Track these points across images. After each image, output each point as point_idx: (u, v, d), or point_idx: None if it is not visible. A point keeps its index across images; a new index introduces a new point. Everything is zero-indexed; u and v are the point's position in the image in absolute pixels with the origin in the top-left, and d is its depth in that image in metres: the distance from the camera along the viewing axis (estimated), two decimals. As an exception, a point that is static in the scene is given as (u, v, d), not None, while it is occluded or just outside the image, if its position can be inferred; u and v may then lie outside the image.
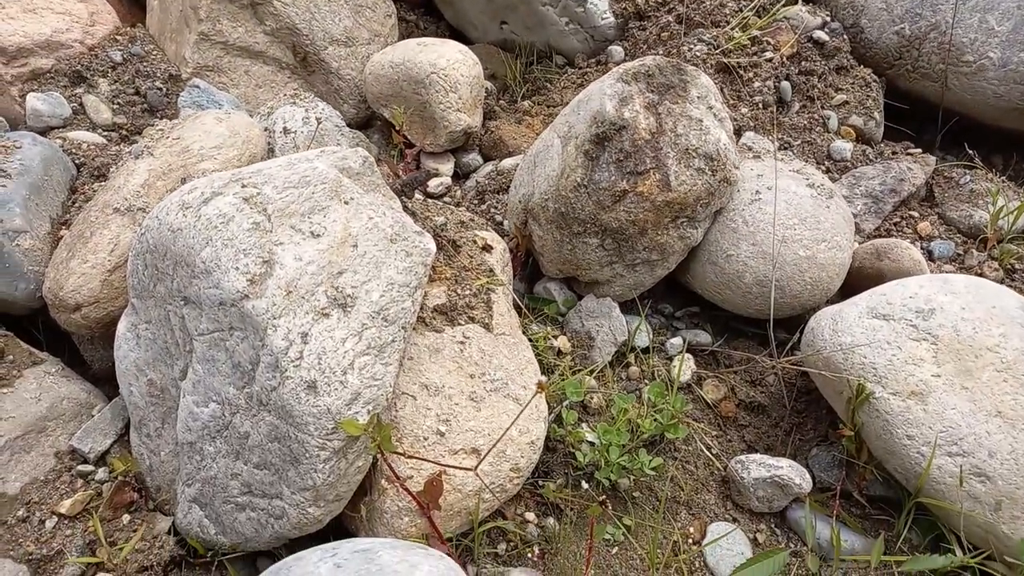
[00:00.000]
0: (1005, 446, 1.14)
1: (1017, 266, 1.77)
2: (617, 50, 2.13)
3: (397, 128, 1.80)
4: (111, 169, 1.59)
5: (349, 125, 2.09)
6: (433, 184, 1.89)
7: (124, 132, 1.77)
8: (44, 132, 1.71)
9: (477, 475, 1.13)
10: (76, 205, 1.53)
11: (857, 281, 1.57)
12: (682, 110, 1.44)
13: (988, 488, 1.14)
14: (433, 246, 1.23)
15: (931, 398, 1.18)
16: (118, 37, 1.89)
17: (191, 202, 1.08)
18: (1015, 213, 1.76)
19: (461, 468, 1.12)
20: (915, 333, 1.23)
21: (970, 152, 1.91)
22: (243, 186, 1.09)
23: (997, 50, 1.79)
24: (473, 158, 2.01)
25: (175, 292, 1.10)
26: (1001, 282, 1.75)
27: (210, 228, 1.04)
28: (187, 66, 1.83)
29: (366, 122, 2.16)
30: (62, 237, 1.45)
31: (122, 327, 1.25)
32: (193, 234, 1.05)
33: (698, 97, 1.47)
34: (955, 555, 1.18)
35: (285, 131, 1.58)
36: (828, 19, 2.03)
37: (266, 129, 1.61)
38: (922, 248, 1.79)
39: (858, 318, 1.27)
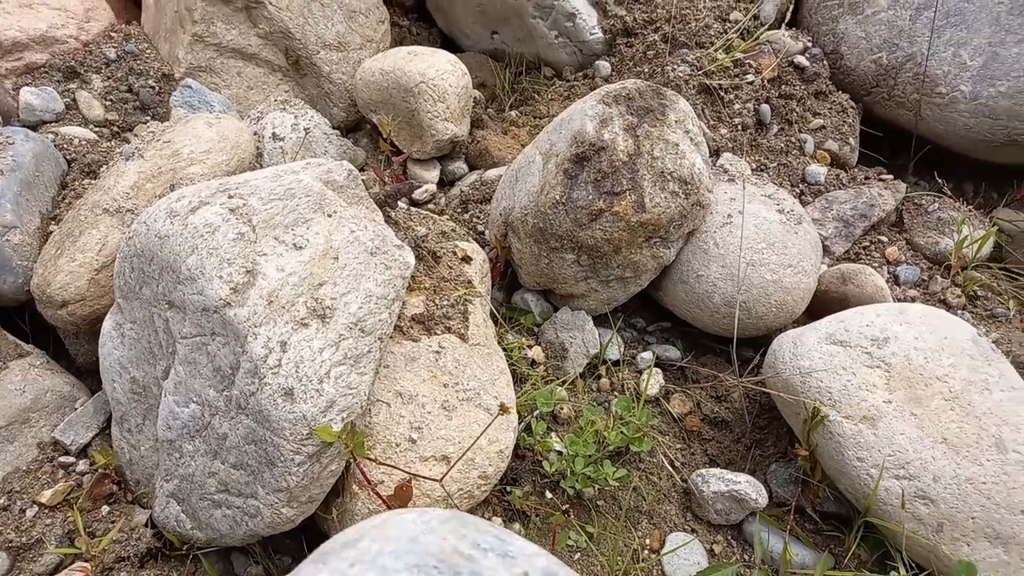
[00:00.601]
0: (949, 471, 1.20)
1: (980, 293, 1.84)
2: (604, 65, 2.17)
3: (384, 137, 1.84)
4: (102, 167, 1.62)
5: (339, 128, 2.13)
6: (418, 191, 1.93)
7: (116, 129, 1.80)
8: (36, 126, 1.73)
9: (442, 487, 1.18)
10: (66, 201, 1.56)
11: (823, 304, 1.63)
12: (660, 133, 1.49)
13: (931, 511, 1.20)
14: (412, 259, 1.28)
15: (882, 423, 1.24)
16: (113, 34, 1.92)
17: (179, 210, 1.12)
18: (979, 242, 1.83)
19: (428, 478, 1.17)
20: (869, 360, 1.29)
21: (939, 181, 1.97)
22: (229, 196, 1.13)
23: (968, 84, 1.85)
24: (459, 166, 2.06)
25: (160, 296, 1.14)
26: (964, 308, 1.82)
27: (196, 237, 1.08)
28: (180, 66, 1.86)
29: (355, 125, 2.19)
30: (51, 232, 1.49)
31: (107, 325, 1.29)
32: (179, 242, 1.09)
33: (676, 121, 1.52)
34: (898, 573, 1.24)
35: (274, 136, 1.62)
36: (809, 44, 2.09)
37: (255, 134, 1.65)
38: (889, 272, 1.85)
39: (817, 343, 1.33)
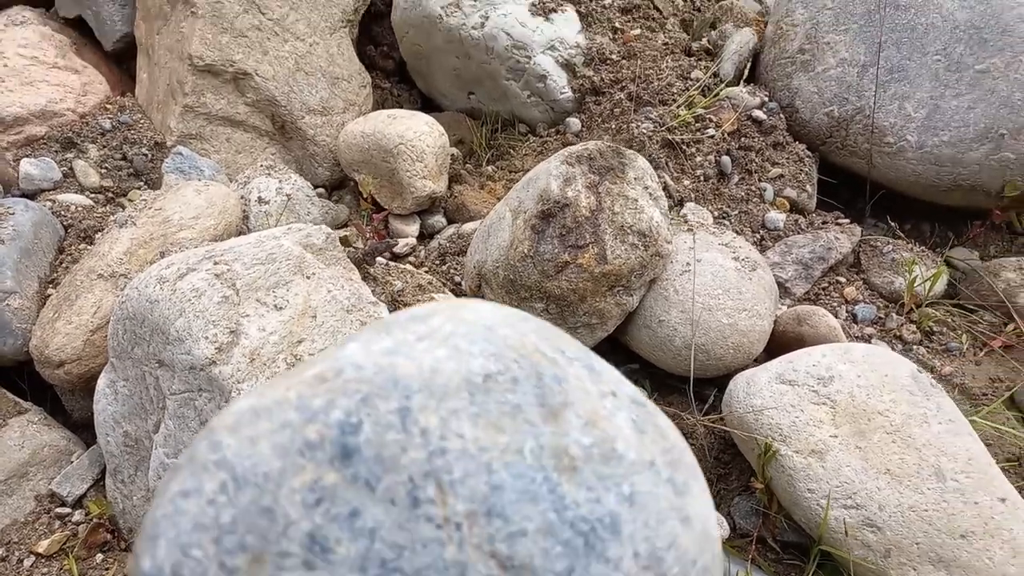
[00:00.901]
0: (893, 500, 1.28)
1: (935, 328, 1.94)
2: (575, 121, 2.30)
3: (365, 197, 1.95)
4: (97, 232, 1.72)
5: (323, 186, 2.25)
6: (399, 245, 2.04)
7: (110, 194, 1.91)
8: (35, 194, 1.84)
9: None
10: (63, 265, 1.66)
11: (781, 344, 1.73)
12: (620, 190, 1.59)
13: (879, 538, 1.28)
14: (386, 314, 1.37)
15: (829, 456, 1.33)
16: (108, 106, 2.04)
17: (168, 276, 1.21)
18: (931, 280, 1.93)
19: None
20: (816, 398, 1.37)
21: (892, 225, 2.09)
22: (215, 263, 1.22)
23: (914, 134, 1.97)
24: (438, 220, 2.16)
25: (151, 355, 1.23)
26: (919, 343, 1.91)
27: (184, 301, 1.18)
28: (172, 134, 1.98)
29: (340, 183, 2.31)
30: (49, 296, 1.58)
31: (102, 383, 1.37)
32: (168, 306, 1.18)
33: (635, 178, 1.63)
34: (852, 599, 1.31)
35: (260, 200, 1.73)
36: (766, 99, 2.22)
37: (243, 197, 1.75)
38: (848, 311, 1.95)
39: (767, 382, 1.42)
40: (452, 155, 2.27)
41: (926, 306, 1.96)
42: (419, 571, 0.60)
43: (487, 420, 0.65)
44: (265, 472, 0.61)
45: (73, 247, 1.70)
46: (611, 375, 0.74)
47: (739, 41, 2.29)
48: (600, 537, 0.64)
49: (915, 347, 1.90)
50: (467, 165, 2.38)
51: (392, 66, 2.61)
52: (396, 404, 0.64)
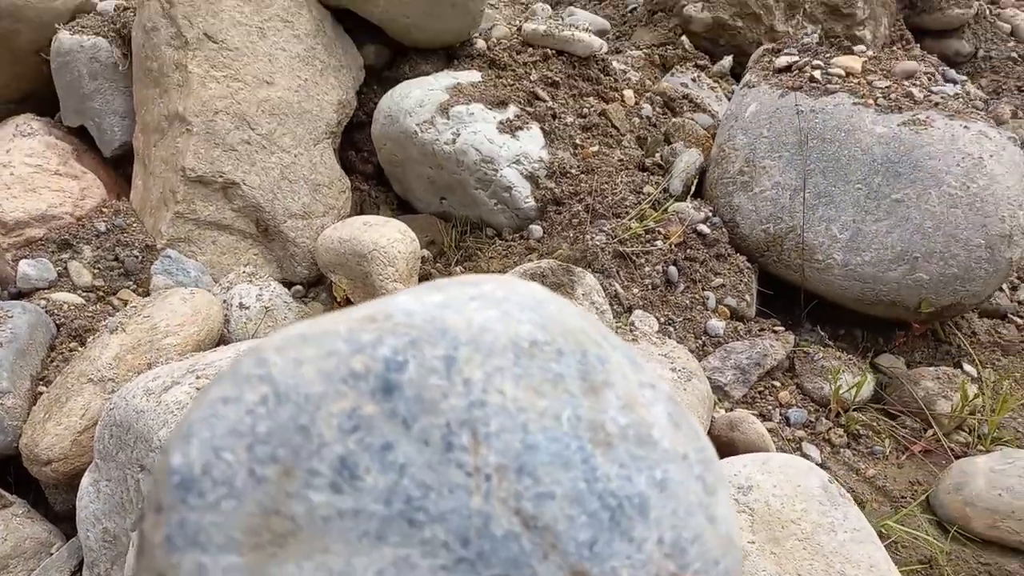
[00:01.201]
0: (803, 603, 1.42)
1: (861, 432, 2.11)
2: (537, 228, 2.50)
3: (339, 300, 2.11)
4: (87, 331, 1.86)
5: (301, 283, 2.41)
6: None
7: (101, 293, 2.05)
8: (31, 293, 1.98)
9: None
10: (54, 363, 1.79)
11: (717, 448, 1.88)
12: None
13: (791, 638, 1.41)
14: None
15: (748, 561, 1.47)
16: (104, 209, 2.20)
17: (154, 389, 1.36)
18: (855, 387, 2.11)
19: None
20: (737, 506, 1.52)
21: (822, 334, 2.28)
22: (197, 377, 1.37)
23: (840, 253, 2.19)
24: (407, 319, 2.32)
25: (134, 460, 1.36)
26: (847, 446, 2.07)
27: (167, 413, 1.32)
28: (162, 238, 2.14)
29: (317, 281, 2.47)
30: (40, 393, 1.71)
31: (86, 481, 1.49)
32: (153, 417, 1.32)
33: (583, 294, 1.81)
34: None
35: (241, 306, 1.88)
36: (710, 214, 2.43)
37: (225, 302, 1.91)
38: (781, 415, 2.11)
39: (694, 490, 1.57)
40: (423, 256, 2.45)
41: (854, 410, 2.13)
42: (443, 514, 0.61)
43: (528, 383, 0.65)
44: (307, 393, 0.62)
45: (64, 345, 1.84)
46: (651, 371, 0.74)
47: (687, 160, 2.53)
48: (627, 515, 0.65)
49: (842, 450, 2.06)
50: (437, 264, 2.56)
51: (371, 170, 2.81)
52: (443, 352, 0.64)
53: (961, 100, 2.28)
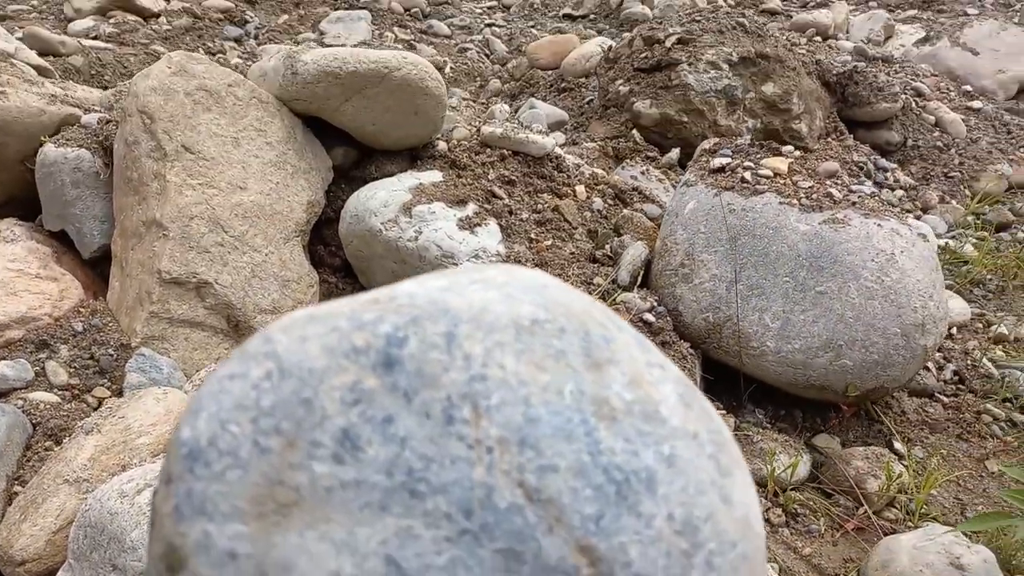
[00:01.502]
0: None
1: (799, 511, 2.24)
2: (495, 319, 2.65)
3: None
4: (62, 430, 1.96)
5: (270, 374, 2.53)
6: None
7: (76, 391, 2.15)
8: (8, 393, 2.08)
9: None
10: (30, 463, 1.88)
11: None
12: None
13: None
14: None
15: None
16: (81, 309, 2.32)
17: (127, 491, 1.46)
18: (791, 467, 2.25)
19: None
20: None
21: (759, 416, 2.44)
22: (168, 480, 1.48)
23: (772, 341, 2.36)
24: (371, 408, 2.44)
25: (107, 560, 1.46)
26: (785, 525, 2.21)
27: (140, 515, 1.42)
28: (136, 337, 2.26)
29: (285, 371, 2.59)
30: (15, 493, 1.79)
31: (58, 580, 1.57)
32: (126, 518, 1.42)
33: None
34: None
35: (210, 404, 2.00)
36: (655, 304, 2.61)
37: (195, 400, 2.02)
38: (724, 495, 2.24)
39: None
40: (386, 348, 2.59)
41: (792, 490, 2.27)
42: (445, 486, 0.61)
43: (530, 358, 0.65)
44: (310, 368, 0.64)
45: (40, 444, 1.93)
46: (659, 354, 0.73)
47: (633, 253, 2.72)
48: (634, 490, 0.64)
49: (781, 529, 2.19)
50: (401, 353, 2.69)
51: (339, 263, 2.97)
52: (443, 328, 0.66)
53: (876, 199, 2.52)
